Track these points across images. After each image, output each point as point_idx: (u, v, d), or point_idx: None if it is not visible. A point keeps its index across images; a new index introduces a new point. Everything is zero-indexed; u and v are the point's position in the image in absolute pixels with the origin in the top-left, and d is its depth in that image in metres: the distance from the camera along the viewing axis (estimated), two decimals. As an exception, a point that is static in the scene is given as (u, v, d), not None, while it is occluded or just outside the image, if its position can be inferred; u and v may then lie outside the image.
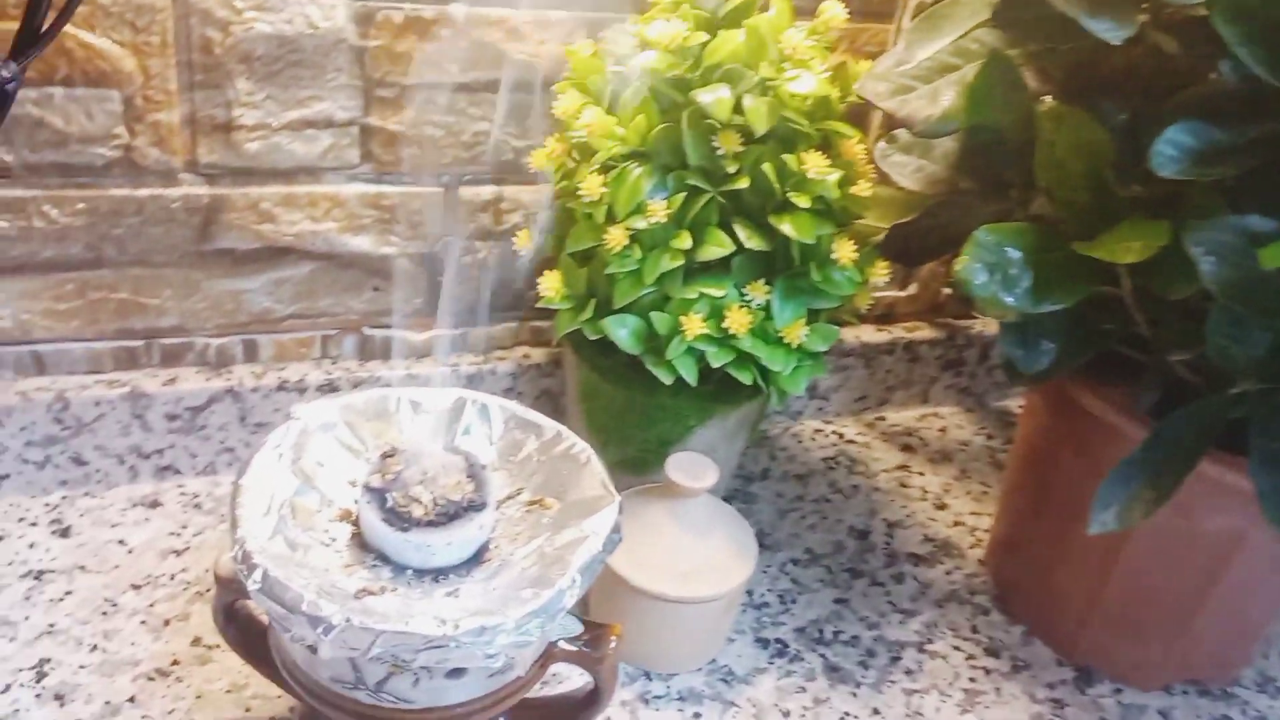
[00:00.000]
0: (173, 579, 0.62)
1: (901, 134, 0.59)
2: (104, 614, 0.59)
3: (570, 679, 0.58)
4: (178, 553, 0.64)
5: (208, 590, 0.62)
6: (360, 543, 0.47)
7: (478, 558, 0.47)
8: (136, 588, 0.61)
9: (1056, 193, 0.53)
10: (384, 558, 0.46)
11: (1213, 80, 0.48)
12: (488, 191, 0.67)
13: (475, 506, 0.46)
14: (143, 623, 0.59)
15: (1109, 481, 0.51)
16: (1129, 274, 0.51)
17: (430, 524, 0.45)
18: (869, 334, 0.82)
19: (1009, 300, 0.51)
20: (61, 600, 0.59)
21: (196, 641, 0.58)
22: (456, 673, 0.45)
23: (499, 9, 0.61)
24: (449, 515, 0.46)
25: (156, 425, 0.66)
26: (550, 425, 0.52)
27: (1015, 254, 0.51)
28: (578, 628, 0.50)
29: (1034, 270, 0.51)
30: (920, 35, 0.50)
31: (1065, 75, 0.53)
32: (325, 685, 0.46)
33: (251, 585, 0.42)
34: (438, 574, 0.46)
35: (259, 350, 0.68)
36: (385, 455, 0.48)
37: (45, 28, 0.47)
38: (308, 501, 0.48)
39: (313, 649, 0.43)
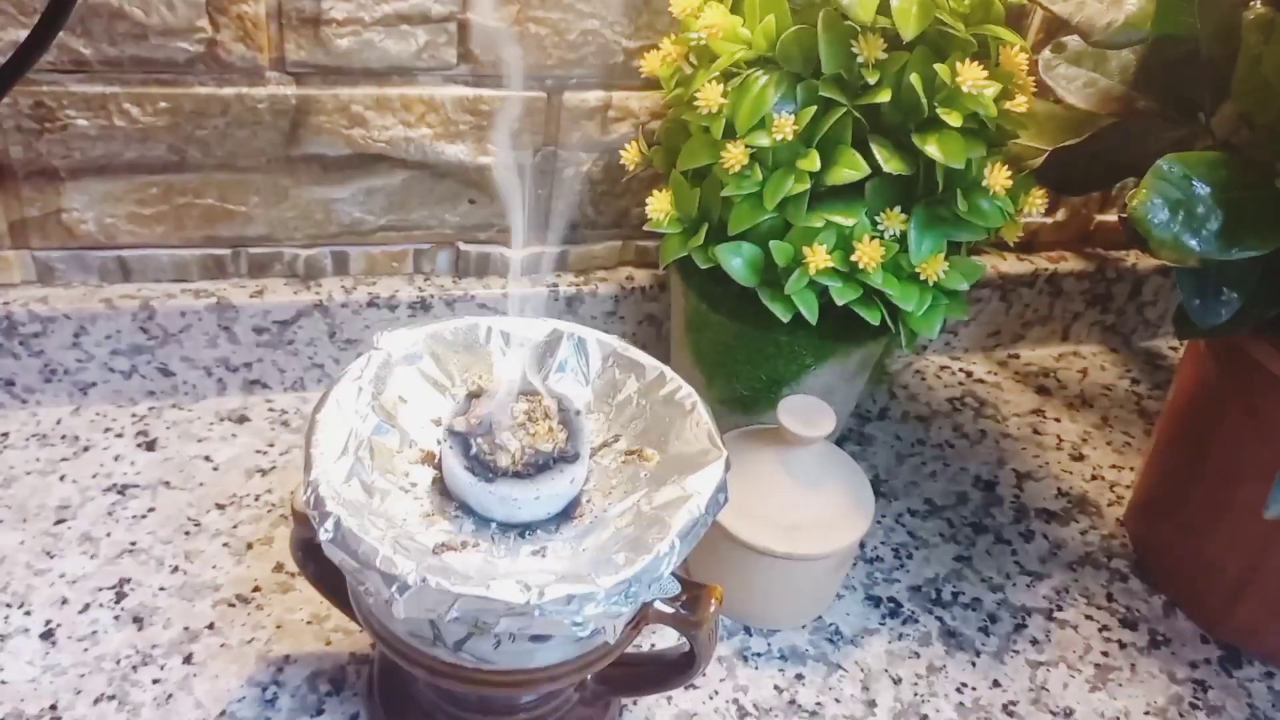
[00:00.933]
0: (258, 500, 0.60)
1: (1071, 40, 0.51)
2: (186, 534, 0.57)
3: (665, 634, 0.55)
4: (264, 472, 0.61)
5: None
6: (442, 489, 0.43)
7: (568, 513, 0.43)
8: (221, 507, 0.59)
9: (1258, 118, 0.45)
10: (467, 508, 0.42)
11: None
12: (594, 97, 0.61)
13: (567, 458, 0.42)
14: (225, 545, 0.57)
15: (1296, 463, 0.44)
16: (1343, 219, 0.43)
17: (517, 475, 0.41)
18: (1008, 263, 0.75)
19: (1194, 244, 0.43)
20: (144, 517, 0.58)
21: (279, 568, 0.56)
22: (541, 638, 0.41)
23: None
24: (538, 466, 0.42)
25: (244, 338, 0.63)
26: (653, 365, 0.47)
27: (1204, 189, 0.44)
28: (675, 588, 0.45)
29: (1225, 210, 0.44)
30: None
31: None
32: (402, 639, 0.43)
33: (323, 535, 0.39)
34: (524, 529, 0.42)
35: (349, 263, 0.64)
36: (471, 395, 0.44)
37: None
38: (388, 441, 0.44)
39: (389, 602, 0.40)
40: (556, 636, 0.41)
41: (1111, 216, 0.75)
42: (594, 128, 0.62)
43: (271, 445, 0.63)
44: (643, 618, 0.45)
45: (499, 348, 0.48)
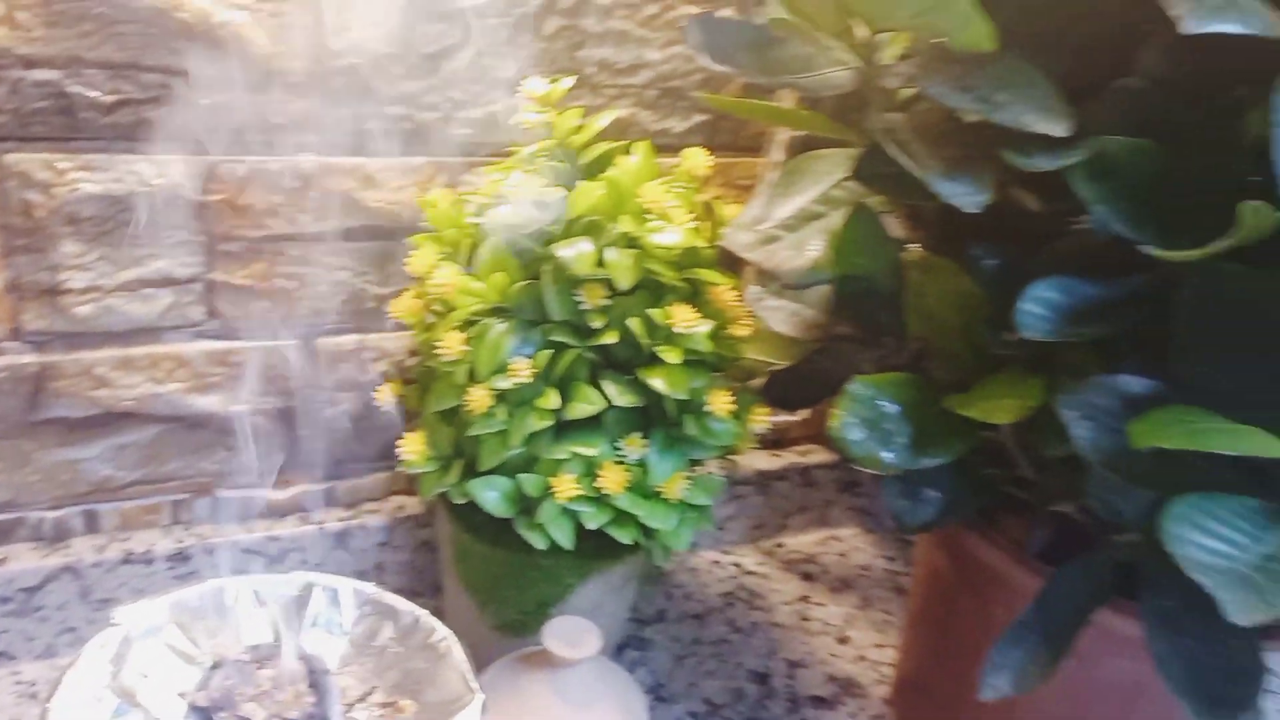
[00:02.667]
0: (0, 787, 0.56)
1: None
2: (-85, 837, 0.53)
3: None
4: (8, 754, 0.57)
5: (40, 798, 0.55)
6: (188, 770, 0.42)
7: (322, 778, 0.42)
8: (-44, 801, 0.55)
9: (931, 342, 0.51)
10: (213, 788, 0.41)
11: (1082, 231, 0.46)
12: (350, 341, 0.63)
13: (316, 723, 0.42)
14: (-39, 844, 0.53)
15: (1002, 643, 0.49)
16: (1017, 434, 0.50)
17: (264, 748, 0.41)
18: (763, 460, 0.80)
19: (887, 457, 0.48)
20: None
21: None
22: None
23: (352, 158, 0.58)
24: (286, 736, 0.41)
25: (-15, 609, 0.60)
26: (408, 610, 0.48)
27: (892, 408, 0.49)
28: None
29: (912, 424, 0.49)
30: (781, 191, 0.48)
31: (935, 222, 0.52)
32: None
33: (52, 840, 0.37)
34: (275, 803, 0.41)
35: (100, 520, 0.63)
36: (213, 667, 0.43)
37: None
38: (129, 723, 0.43)
39: None
40: None
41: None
42: (351, 369, 0.64)
43: (19, 719, 0.59)
44: None
45: (248, 609, 0.48)
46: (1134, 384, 0.42)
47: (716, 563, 0.80)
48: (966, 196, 0.41)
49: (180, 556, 0.63)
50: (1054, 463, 0.49)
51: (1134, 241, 0.41)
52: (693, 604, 0.75)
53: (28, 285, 0.55)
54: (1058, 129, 0.39)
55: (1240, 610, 0.33)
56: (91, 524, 0.63)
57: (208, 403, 0.61)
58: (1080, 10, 0.43)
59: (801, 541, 0.83)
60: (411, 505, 0.69)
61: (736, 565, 0.80)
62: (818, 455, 0.82)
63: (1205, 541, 0.36)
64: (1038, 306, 0.44)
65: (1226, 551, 0.35)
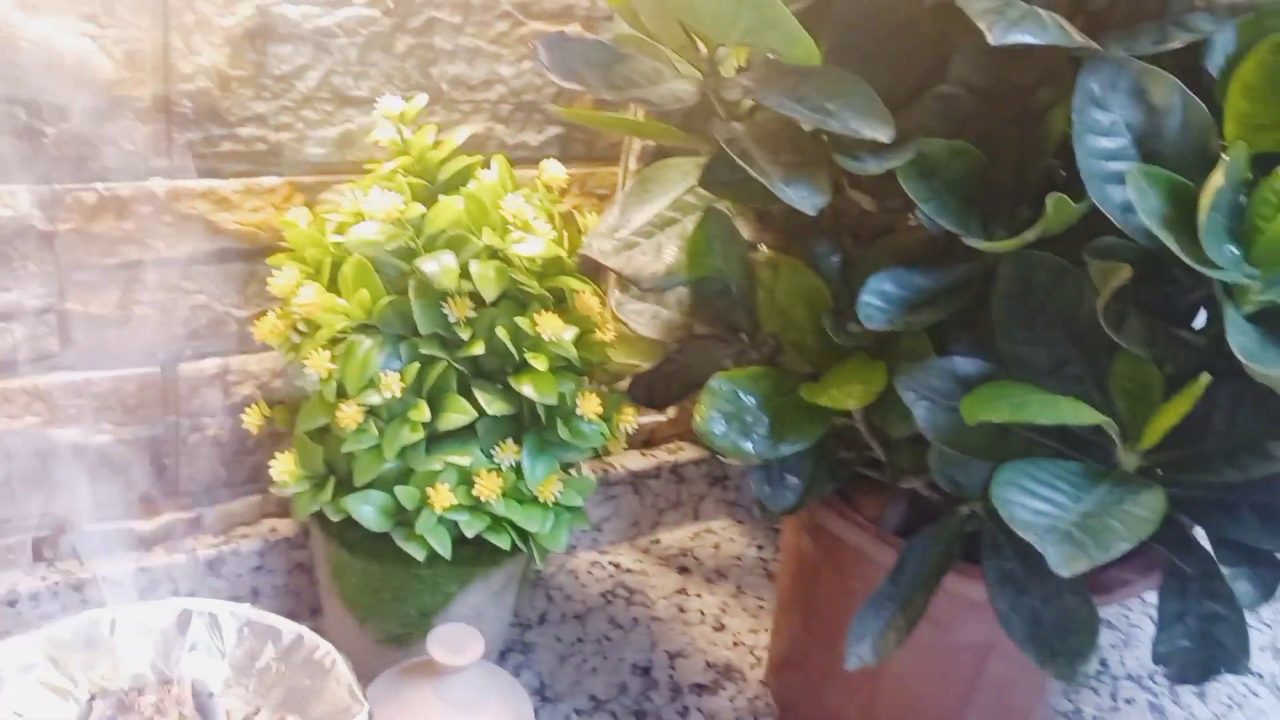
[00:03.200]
0: None
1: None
2: None
3: None
4: None
5: None
6: (70, 806, 0.42)
7: (211, 801, 0.43)
8: None
9: (784, 336, 0.54)
10: (98, 821, 0.41)
11: (912, 227, 0.50)
12: (212, 365, 0.63)
13: (203, 746, 0.42)
14: None
15: (861, 614, 0.52)
16: (865, 417, 0.53)
17: (150, 776, 0.41)
18: (634, 460, 0.82)
19: (749, 447, 0.51)
20: None
21: None
22: None
23: (205, 180, 0.58)
24: (172, 762, 0.41)
25: None
26: (290, 629, 0.49)
27: (751, 400, 0.52)
28: None
29: (770, 414, 0.52)
30: (635, 199, 0.50)
31: (781, 222, 0.55)
32: None
33: None
34: (164, 830, 0.41)
35: (-54, 567, 0.61)
36: (91, 699, 0.43)
37: None
38: (4, 764, 0.42)
39: None
40: None
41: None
42: (215, 393, 0.63)
43: (-125, 781, 0.57)
44: None
45: (125, 639, 0.47)
46: (964, 364, 0.46)
47: (595, 563, 0.82)
48: (805, 200, 0.44)
49: (50, 593, 0.61)
50: (900, 442, 0.53)
51: (957, 234, 0.45)
52: (574, 605, 0.77)
53: None
54: (883, 134, 0.43)
55: (1063, 562, 0.37)
56: (-65, 571, 0.60)
57: (67, 435, 0.60)
58: (896, 24, 0.46)
59: (676, 536, 0.86)
60: (284, 527, 0.69)
61: (615, 564, 0.82)
62: (687, 453, 0.84)
63: (1030, 503, 0.39)
64: (876, 299, 0.47)
65: (1050, 511, 0.39)
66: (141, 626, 0.48)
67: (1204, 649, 0.52)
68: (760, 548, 0.86)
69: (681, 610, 0.78)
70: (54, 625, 0.46)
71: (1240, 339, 0.37)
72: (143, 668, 0.46)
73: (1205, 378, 0.38)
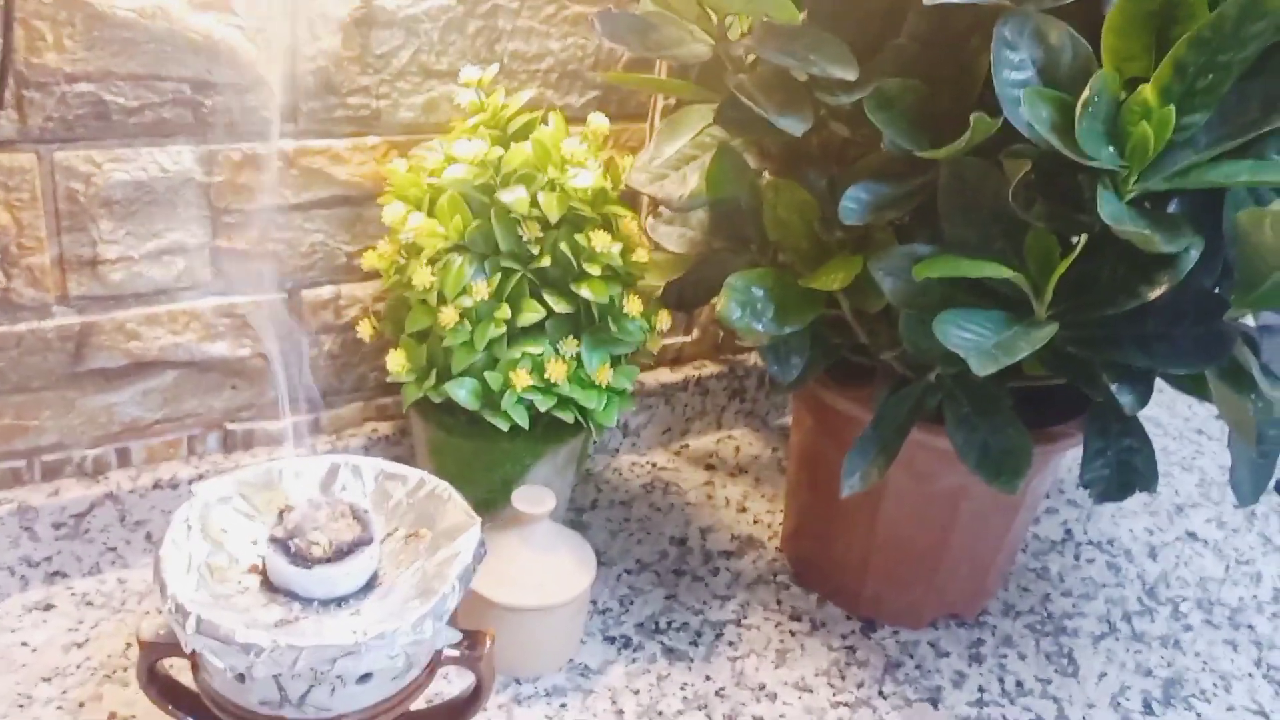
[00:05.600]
0: (79, 667, 0.69)
1: (664, 210, 0.74)
2: (20, 706, 0.65)
3: (451, 690, 0.69)
4: (79, 645, 0.70)
5: (113, 672, 0.69)
6: (270, 587, 0.57)
7: (371, 584, 0.58)
8: (47, 680, 0.68)
9: (784, 243, 0.69)
10: (293, 594, 0.56)
11: (880, 151, 0.65)
12: (327, 292, 0.78)
13: (364, 541, 0.57)
14: (59, 708, 0.66)
15: (851, 455, 0.67)
16: (845, 298, 0.68)
17: (329, 560, 0.56)
18: (665, 375, 0.97)
19: (759, 327, 0.66)
20: (-23, 701, 0.65)
21: (114, 716, 0.66)
22: (365, 678, 0.55)
23: (323, 140, 0.73)
24: (343, 551, 0.56)
25: (44, 534, 0.73)
26: (414, 473, 0.63)
27: (759, 291, 0.67)
28: (458, 636, 0.61)
29: (775, 303, 0.67)
30: (665, 137, 0.65)
31: (779, 155, 0.70)
32: (255, 710, 0.55)
33: (189, 629, 0.52)
34: (340, 601, 0.56)
35: (131, 456, 0.76)
36: (283, 511, 0.58)
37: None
38: (219, 560, 0.57)
39: (242, 678, 0.53)
40: (377, 674, 0.55)
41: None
42: (329, 315, 0.79)
43: (81, 623, 0.72)
44: (436, 661, 0.60)
45: (291, 482, 0.62)
46: (919, 249, 0.61)
47: (635, 463, 0.97)
48: (794, 126, 0.59)
49: (199, 480, 0.77)
50: (877, 320, 0.68)
51: (910, 150, 0.60)
52: (619, 494, 0.92)
53: (71, 258, 0.68)
54: (849, 74, 0.58)
55: (980, 365, 0.52)
56: (124, 459, 0.76)
57: (216, 349, 0.75)
58: (860, -8, 0.61)
59: (702, 442, 1.01)
60: (383, 428, 0.84)
61: (651, 464, 0.97)
62: (710, 368, 0.99)
63: (962, 333, 0.54)
64: (852, 203, 0.62)
65: (975, 338, 0.54)
66: (303, 474, 0.63)
67: (1121, 474, 0.67)
68: (775, 449, 1.01)
69: (709, 497, 0.93)
70: (241, 470, 0.61)
71: (1107, 208, 0.52)
72: (312, 494, 0.61)
73: (1084, 238, 0.53)
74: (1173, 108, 0.54)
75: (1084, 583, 0.88)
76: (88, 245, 0.68)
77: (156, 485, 0.76)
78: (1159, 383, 0.61)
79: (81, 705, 0.66)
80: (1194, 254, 0.53)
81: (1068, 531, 0.95)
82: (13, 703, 0.66)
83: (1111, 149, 0.55)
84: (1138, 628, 0.84)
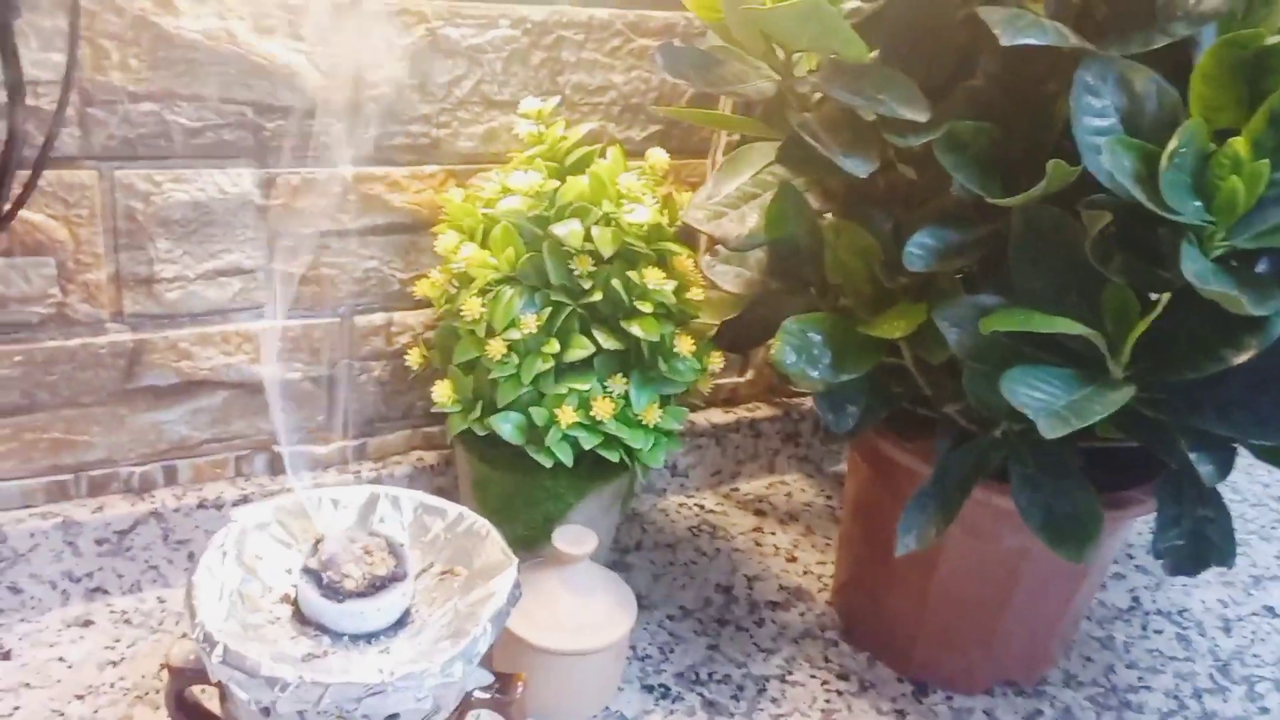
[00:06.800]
0: (113, 686, 0.68)
1: (721, 249, 0.73)
2: (52, 723, 0.65)
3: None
4: (114, 664, 0.70)
5: (146, 694, 0.68)
6: (301, 618, 0.55)
7: (402, 621, 0.56)
8: (80, 697, 0.67)
9: (844, 287, 0.67)
10: (323, 628, 0.55)
11: (948, 195, 0.62)
12: (379, 318, 0.77)
13: (398, 577, 0.56)
14: (89, 728, 0.65)
15: (908, 510, 0.64)
16: (907, 346, 0.65)
17: (361, 594, 0.55)
18: (717, 416, 0.95)
19: (814, 374, 0.64)
20: (10, 715, 0.65)
21: (141, 739, 0.65)
22: (392, 718, 0.53)
23: (382, 167, 0.73)
24: (376, 586, 0.55)
25: (86, 550, 0.73)
26: (453, 508, 0.62)
27: (816, 337, 0.65)
28: (489, 678, 0.59)
29: (832, 349, 0.64)
30: (725, 174, 0.64)
31: (843, 196, 0.68)
32: (278, 745, 0.54)
33: (215, 659, 0.51)
34: (370, 637, 0.55)
35: (178, 474, 0.76)
36: (318, 541, 0.57)
37: (5, 210, 0.56)
38: (252, 589, 0.56)
39: (267, 711, 0.52)
40: (404, 716, 0.53)
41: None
42: (380, 342, 0.78)
43: (118, 641, 0.72)
44: (467, 704, 0.58)
45: (329, 512, 0.61)
46: (987, 300, 0.58)
47: (682, 504, 0.95)
48: (859, 167, 0.56)
49: (244, 501, 0.76)
50: (940, 371, 0.65)
51: (981, 195, 0.57)
52: (664, 535, 0.90)
53: (128, 276, 0.68)
54: (920, 115, 0.55)
55: (1050, 428, 0.49)
56: (170, 477, 0.76)
57: (266, 371, 0.75)
58: (933, 30, 0.59)
59: (753, 485, 0.98)
60: (429, 458, 0.83)
61: (699, 506, 0.95)
62: (764, 411, 0.97)
63: (1031, 392, 0.51)
64: (917, 249, 0.60)
65: (1044, 397, 0.51)
66: (342, 503, 0.62)
67: (1196, 546, 0.63)
68: (829, 497, 0.98)
69: (758, 544, 0.91)
70: (279, 498, 0.61)
71: (1191, 265, 0.49)
72: (348, 525, 0.60)
73: (1166, 296, 0.50)
74: (1267, 162, 0.51)
75: (1151, 655, 0.84)
76: (144, 263, 0.68)
77: (201, 505, 0.75)
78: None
79: (111, 726, 0.65)
80: (1283, 317, 0.50)
81: (1135, 599, 0.90)
82: (45, 719, 0.65)
83: (1198, 203, 0.52)
84: (1209, 707, 0.79)
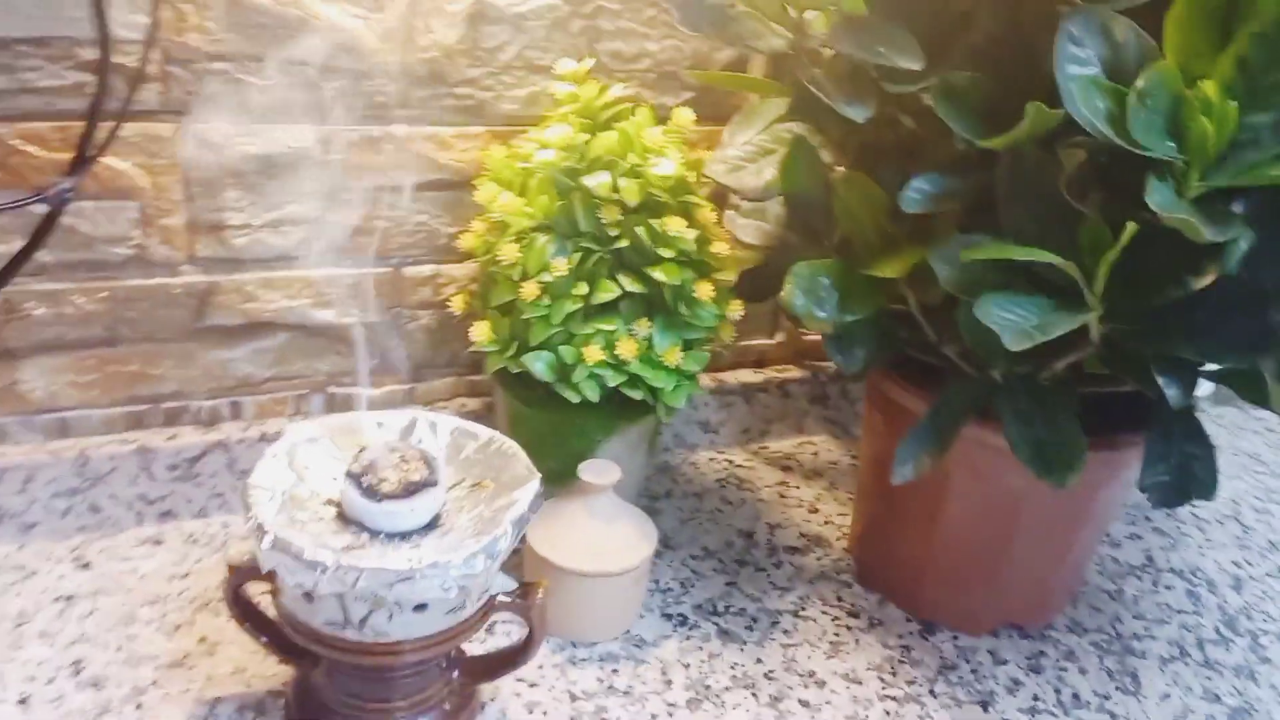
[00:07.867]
0: (179, 595, 0.75)
1: (743, 204, 0.78)
2: (125, 623, 0.72)
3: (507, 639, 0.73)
4: (181, 577, 0.77)
5: (209, 603, 0.75)
6: (343, 518, 0.62)
7: (433, 524, 0.62)
8: (150, 603, 0.74)
9: (853, 235, 0.71)
10: (362, 525, 0.61)
11: (947, 145, 0.67)
12: (427, 269, 0.84)
13: (430, 483, 0.62)
14: (157, 629, 0.72)
15: (904, 444, 0.68)
16: (910, 291, 0.70)
17: (396, 496, 0.61)
18: (747, 376, 1.00)
19: (821, 314, 0.68)
20: (89, 615, 0.72)
21: (203, 640, 0.72)
22: (421, 608, 0.59)
23: (431, 127, 0.79)
24: (411, 490, 0.61)
25: (160, 475, 0.80)
26: (485, 431, 0.68)
27: (824, 280, 0.69)
28: (513, 584, 0.65)
29: (838, 291, 0.69)
30: (739, 125, 0.69)
31: (853, 150, 0.73)
32: (320, 629, 0.60)
33: (265, 546, 0.57)
34: (404, 535, 0.61)
35: (243, 410, 0.83)
36: (361, 450, 0.63)
37: (91, 155, 0.64)
38: (302, 492, 0.63)
39: (309, 596, 0.58)
40: (432, 605, 0.59)
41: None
42: (428, 292, 0.84)
43: (185, 558, 0.79)
44: (490, 606, 0.64)
45: (373, 431, 0.68)
46: (976, 238, 0.63)
47: (712, 459, 0.99)
48: (858, 112, 0.61)
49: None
50: (938, 311, 0.69)
51: (972, 139, 0.61)
52: (692, 485, 0.95)
53: (201, 222, 0.76)
54: (915, 64, 0.60)
55: (1014, 341, 0.53)
56: (236, 412, 0.83)
57: (325, 315, 0.82)
58: (929, -10, 0.63)
59: (781, 444, 1.03)
60: (471, 404, 0.89)
61: (728, 460, 1.00)
62: (793, 373, 1.01)
63: (1003, 314, 0.56)
64: (915, 193, 0.64)
65: (1014, 319, 0.55)
66: (385, 425, 0.68)
67: (1181, 480, 0.66)
68: (854, 457, 1.02)
69: (782, 496, 0.95)
70: (328, 417, 0.67)
71: (1156, 196, 0.53)
72: (389, 438, 0.66)
73: (1132, 226, 0.53)
74: (1235, 104, 0.55)
75: (1159, 608, 0.86)
76: (215, 211, 0.76)
77: (263, 438, 0.82)
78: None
79: (177, 628, 0.72)
80: (1243, 245, 0.53)
81: (1149, 558, 0.93)
82: (119, 619, 0.72)
83: (1171, 143, 0.56)
84: (1211, 655, 0.82)
